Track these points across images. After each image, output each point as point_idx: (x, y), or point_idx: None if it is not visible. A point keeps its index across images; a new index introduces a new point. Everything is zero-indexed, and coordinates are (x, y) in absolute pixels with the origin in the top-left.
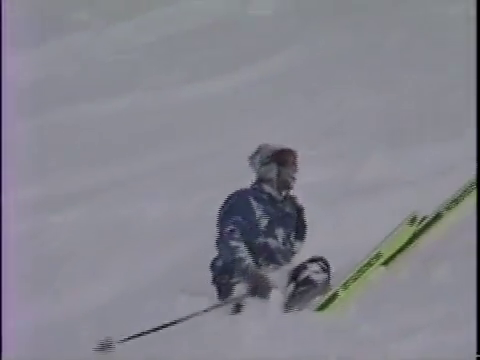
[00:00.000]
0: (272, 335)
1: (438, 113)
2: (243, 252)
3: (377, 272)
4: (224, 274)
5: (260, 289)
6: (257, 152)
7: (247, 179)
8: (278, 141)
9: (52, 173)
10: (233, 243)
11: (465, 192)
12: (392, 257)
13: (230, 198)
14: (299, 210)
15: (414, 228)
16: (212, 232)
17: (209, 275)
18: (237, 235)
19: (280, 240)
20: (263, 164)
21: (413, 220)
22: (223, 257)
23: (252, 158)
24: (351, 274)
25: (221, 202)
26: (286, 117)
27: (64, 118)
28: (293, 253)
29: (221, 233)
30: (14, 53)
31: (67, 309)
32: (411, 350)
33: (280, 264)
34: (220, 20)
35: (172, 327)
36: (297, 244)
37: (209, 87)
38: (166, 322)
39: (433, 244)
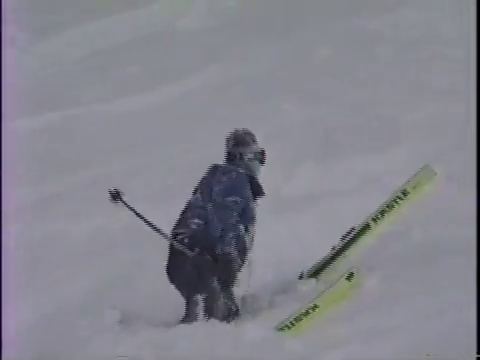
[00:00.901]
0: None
1: (367, 125)
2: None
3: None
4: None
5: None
6: (254, 140)
7: (177, 193)
8: (205, 155)
9: None
10: (232, 220)
11: (391, 204)
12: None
13: (231, 172)
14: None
15: (352, 283)
16: (141, 247)
17: (139, 291)
18: (235, 216)
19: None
20: (255, 158)
21: (350, 276)
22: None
23: (249, 139)
24: (289, 320)
25: (152, 216)
26: (216, 130)
27: None
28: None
29: (223, 206)
30: None
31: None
32: None
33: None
34: (150, 34)
35: None
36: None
37: (137, 102)
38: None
39: (362, 255)
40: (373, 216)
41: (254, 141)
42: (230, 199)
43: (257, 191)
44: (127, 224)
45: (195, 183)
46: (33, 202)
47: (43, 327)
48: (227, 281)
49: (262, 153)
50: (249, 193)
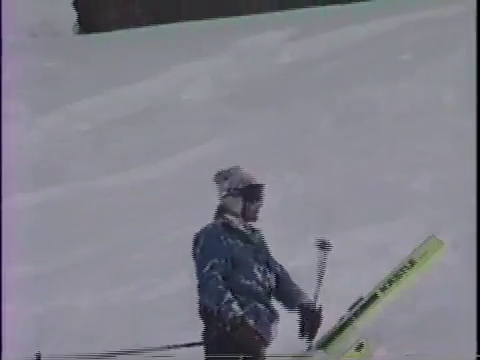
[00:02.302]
0: None
1: (370, 195)
2: (230, 295)
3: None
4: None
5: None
6: (226, 177)
7: (174, 267)
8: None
9: None
10: (219, 288)
11: (398, 274)
12: None
13: (199, 238)
14: (264, 244)
15: (361, 353)
16: (144, 319)
17: None
18: (219, 279)
19: (259, 277)
20: (229, 194)
21: (360, 347)
22: (210, 306)
23: (220, 178)
24: None
25: (150, 289)
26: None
27: None
28: (271, 290)
29: (202, 281)
30: None
31: None
32: None
33: (266, 304)
34: (154, 106)
35: None
36: (272, 278)
37: (140, 174)
38: None
39: (370, 325)
40: (381, 286)
41: (226, 178)
42: (205, 270)
43: (242, 228)
44: (132, 296)
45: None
46: (34, 277)
47: None
48: (234, 346)
49: (241, 188)
50: (225, 243)
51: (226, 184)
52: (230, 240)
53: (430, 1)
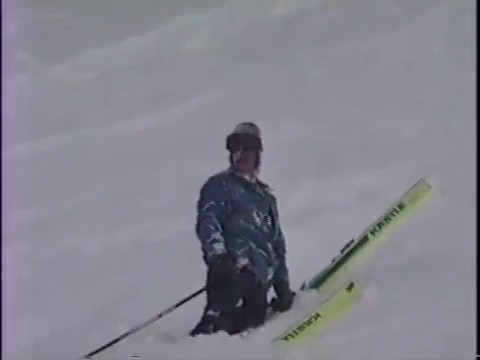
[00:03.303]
0: None
1: (363, 142)
2: (218, 235)
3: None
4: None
5: (224, 280)
6: (236, 128)
7: (183, 208)
8: (210, 170)
9: None
10: (208, 226)
11: (388, 217)
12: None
13: (205, 184)
14: (272, 199)
15: (352, 293)
16: (151, 262)
17: (148, 305)
18: (212, 220)
19: (258, 222)
20: (232, 150)
21: (350, 286)
22: (202, 245)
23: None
24: (292, 329)
25: (158, 232)
26: (218, 148)
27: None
28: (272, 236)
29: (198, 220)
30: None
31: (14, 340)
32: None
33: (263, 247)
34: (158, 56)
35: None
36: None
37: (144, 122)
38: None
39: (361, 266)
40: (371, 229)
41: (244, 131)
42: (204, 208)
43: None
44: (136, 240)
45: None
46: (40, 221)
47: (54, 341)
48: (215, 282)
49: (227, 139)
50: (230, 187)
51: (230, 143)
52: (231, 186)
53: None
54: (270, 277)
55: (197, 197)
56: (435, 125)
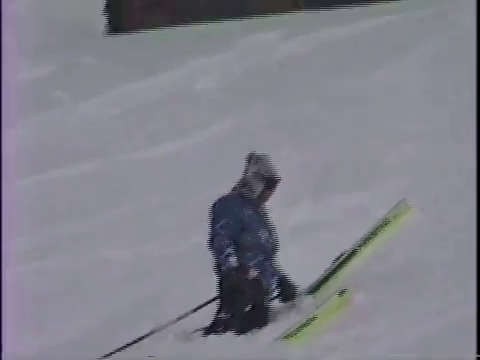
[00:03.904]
0: None
1: (352, 167)
2: (231, 250)
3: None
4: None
5: (289, 290)
6: (257, 161)
7: (198, 225)
8: (220, 191)
9: (34, 227)
10: (222, 243)
11: (374, 232)
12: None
13: (216, 204)
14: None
15: (343, 298)
16: (171, 271)
17: (170, 309)
18: (225, 236)
19: (263, 238)
20: (255, 176)
21: (342, 292)
22: (215, 258)
23: (252, 159)
24: (292, 330)
25: (176, 246)
26: (228, 173)
27: (41, 180)
28: (275, 249)
29: (211, 236)
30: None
31: (51, 338)
32: None
33: (269, 258)
34: (173, 94)
35: None
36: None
37: (161, 150)
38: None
39: (351, 275)
40: (359, 242)
41: (257, 162)
42: (217, 226)
43: (255, 201)
44: (157, 253)
45: (206, 214)
46: (76, 235)
47: (85, 340)
48: (228, 290)
49: (268, 178)
50: (239, 208)
51: (255, 167)
52: (240, 207)
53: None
54: (274, 285)
55: (203, 217)
56: (414, 151)
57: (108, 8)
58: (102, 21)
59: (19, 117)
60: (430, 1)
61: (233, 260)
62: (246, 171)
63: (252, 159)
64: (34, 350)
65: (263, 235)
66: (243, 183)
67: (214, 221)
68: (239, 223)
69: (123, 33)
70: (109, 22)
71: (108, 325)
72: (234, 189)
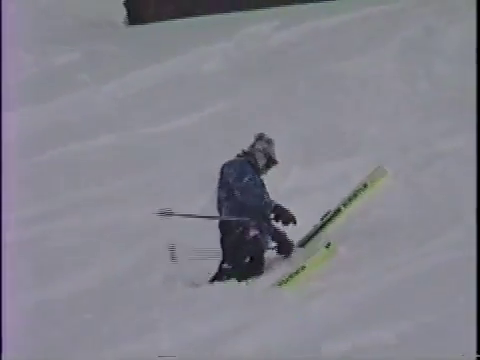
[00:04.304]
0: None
1: (337, 139)
2: (268, 197)
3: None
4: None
5: (286, 246)
6: (268, 141)
7: (203, 191)
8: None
9: (58, 192)
10: (257, 190)
11: (355, 193)
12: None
13: (232, 164)
14: None
15: (329, 250)
16: (175, 231)
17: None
18: (258, 185)
19: (265, 200)
20: (262, 153)
21: (328, 245)
22: (250, 203)
23: (261, 138)
24: (285, 277)
25: (185, 208)
26: (228, 145)
27: (66, 151)
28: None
29: (244, 188)
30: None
31: (68, 289)
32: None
33: (266, 218)
34: (181, 76)
35: None
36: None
37: (171, 125)
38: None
39: (336, 230)
40: (343, 202)
41: (267, 142)
42: (246, 179)
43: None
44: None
45: (211, 182)
46: (96, 197)
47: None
48: (233, 248)
49: (270, 158)
50: (254, 171)
51: (263, 145)
52: (253, 170)
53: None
54: (270, 243)
55: (208, 182)
56: (390, 126)
57: (128, 2)
58: (122, 13)
59: (49, 97)
60: None
61: (273, 202)
62: (254, 145)
63: (262, 138)
64: (60, 295)
65: (265, 197)
66: (250, 154)
67: (241, 175)
68: (260, 181)
69: (140, 24)
70: (128, 14)
71: (123, 275)
72: (240, 156)
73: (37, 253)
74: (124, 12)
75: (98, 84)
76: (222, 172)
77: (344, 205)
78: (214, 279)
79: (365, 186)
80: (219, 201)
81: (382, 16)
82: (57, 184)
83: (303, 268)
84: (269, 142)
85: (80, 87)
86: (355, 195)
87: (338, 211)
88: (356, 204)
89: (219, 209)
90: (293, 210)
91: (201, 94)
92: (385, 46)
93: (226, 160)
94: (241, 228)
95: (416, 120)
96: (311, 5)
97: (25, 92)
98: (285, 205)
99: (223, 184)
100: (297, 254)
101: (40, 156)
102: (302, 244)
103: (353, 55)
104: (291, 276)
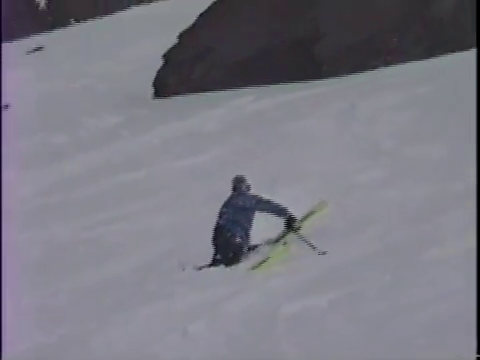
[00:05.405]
0: None
1: (291, 173)
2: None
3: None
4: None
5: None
6: (242, 181)
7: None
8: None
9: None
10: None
11: (306, 216)
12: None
13: (237, 196)
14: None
15: (285, 247)
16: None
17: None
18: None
19: (251, 222)
20: (247, 189)
21: (285, 244)
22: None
23: (239, 180)
24: (257, 263)
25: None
26: (224, 176)
27: (117, 180)
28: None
29: (260, 204)
30: (91, 151)
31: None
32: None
33: (247, 233)
34: (191, 131)
35: None
36: None
37: (187, 162)
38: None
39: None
40: (299, 221)
41: (242, 182)
42: (255, 200)
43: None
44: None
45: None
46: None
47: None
48: (223, 247)
49: (248, 187)
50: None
51: (244, 185)
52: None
53: None
54: (247, 245)
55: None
56: (327, 165)
57: (155, 83)
58: (151, 91)
59: (103, 145)
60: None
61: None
62: (238, 185)
63: (240, 179)
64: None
65: (252, 219)
66: (236, 188)
67: (250, 198)
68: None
69: (163, 98)
70: (155, 91)
71: (129, 217)
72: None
73: (100, 246)
74: (152, 90)
75: (135, 137)
76: (231, 197)
77: (302, 220)
78: (211, 265)
79: (312, 213)
80: (221, 214)
81: (323, 94)
82: (108, 204)
83: (268, 258)
84: (244, 180)
85: (123, 139)
86: (306, 217)
87: (295, 226)
88: (310, 222)
89: (220, 217)
90: (265, 222)
91: (205, 143)
92: (324, 113)
93: (227, 183)
94: (230, 234)
95: (344, 161)
96: (276, 86)
97: (88, 143)
98: (258, 219)
99: (227, 204)
100: (265, 249)
101: (95, 185)
102: (269, 243)
103: (303, 118)
104: (260, 263)
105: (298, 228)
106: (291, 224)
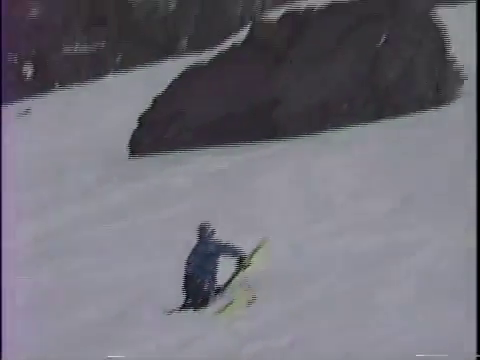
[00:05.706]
0: None
1: (250, 221)
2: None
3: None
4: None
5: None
6: (207, 227)
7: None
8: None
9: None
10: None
11: (253, 252)
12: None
13: (205, 243)
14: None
15: (247, 291)
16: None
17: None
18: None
19: (216, 266)
20: (212, 234)
21: (247, 289)
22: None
23: (205, 228)
24: (222, 307)
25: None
26: (192, 224)
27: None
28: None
29: (223, 247)
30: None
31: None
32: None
33: (214, 278)
34: (161, 185)
35: None
36: None
37: (157, 216)
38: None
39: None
40: (246, 259)
41: (207, 228)
42: (222, 243)
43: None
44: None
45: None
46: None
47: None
48: (193, 293)
49: (212, 231)
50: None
51: (207, 232)
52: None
53: None
54: (214, 289)
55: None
56: (283, 217)
57: (130, 144)
58: (127, 150)
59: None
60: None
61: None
62: (205, 231)
63: (205, 227)
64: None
65: (217, 264)
66: (202, 234)
67: (218, 245)
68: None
69: (137, 156)
70: (131, 151)
71: (104, 265)
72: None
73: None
74: (128, 150)
75: (111, 192)
76: (197, 245)
77: (249, 258)
78: (181, 308)
79: (258, 248)
80: (188, 262)
81: (281, 153)
82: (85, 252)
83: (232, 302)
84: (209, 227)
85: (101, 193)
86: (252, 254)
87: (244, 264)
88: (254, 259)
89: (188, 264)
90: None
91: (173, 196)
92: (281, 170)
93: (194, 233)
94: (199, 280)
95: (299, 214)
96: (234, 147)
97: (70, 197)
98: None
99: (194, 252)
100: (227, 293)
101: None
102: (226, 283)
103: (262, 175)
104: (226, 306)
105: (248, 265)
106: (242, 262)
